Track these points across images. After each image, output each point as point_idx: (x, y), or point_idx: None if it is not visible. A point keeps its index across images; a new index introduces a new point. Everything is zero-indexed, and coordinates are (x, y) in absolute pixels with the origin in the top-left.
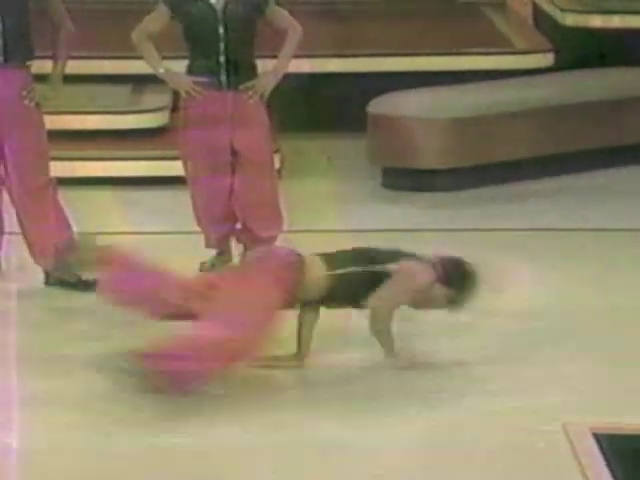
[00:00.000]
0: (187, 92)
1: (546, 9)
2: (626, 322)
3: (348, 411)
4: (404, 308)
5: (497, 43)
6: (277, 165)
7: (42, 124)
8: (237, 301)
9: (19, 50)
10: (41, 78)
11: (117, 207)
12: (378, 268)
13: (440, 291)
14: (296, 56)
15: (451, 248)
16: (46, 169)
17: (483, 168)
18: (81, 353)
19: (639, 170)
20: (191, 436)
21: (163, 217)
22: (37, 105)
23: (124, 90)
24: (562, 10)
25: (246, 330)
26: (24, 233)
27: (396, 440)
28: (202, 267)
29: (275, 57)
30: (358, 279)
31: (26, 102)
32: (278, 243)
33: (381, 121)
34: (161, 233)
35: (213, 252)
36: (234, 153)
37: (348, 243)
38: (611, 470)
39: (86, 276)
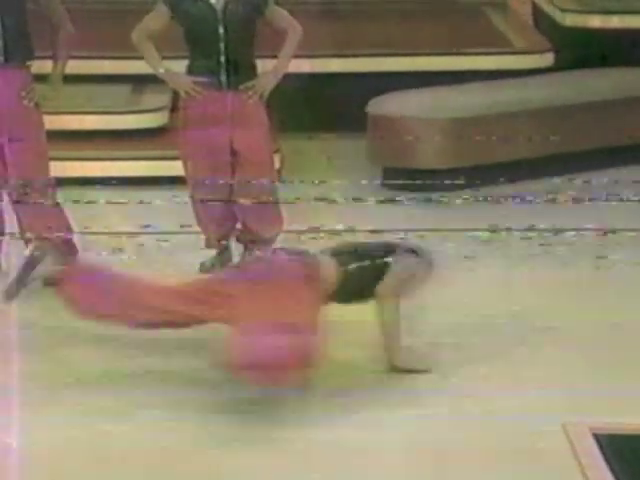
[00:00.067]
0: (187, 92)
1: (546, 9)
2: (626, 322)
3: (347, 411)
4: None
5: (497, 43)
6: (277, 165)
7: (42, 124)
8: (279, 308)
9: (19, 50)
10: (41, 78)
11: (117, 207)
12: (379, 262)
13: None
14: (296, 56)
15: (450, 248)
16: (46, 169)
17: (483, 168)
18: (81, 353)
19: (639, 170)
20: (192, 436)
21: (163, 217)
22: (37, 105)
23: (124, 90)
24: (562, 10)
25: (308, 333)
26: (24, 233)
27: (395, 440)
28: (202, 267)
29: (275, 57)
30: (365, 274)
31: (26, 102)
32: (278, 243)
33: (381, 121)
34: (161, 233)
35: (213, 252)
36: (234, 153)
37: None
38: (611, 470)
39: None
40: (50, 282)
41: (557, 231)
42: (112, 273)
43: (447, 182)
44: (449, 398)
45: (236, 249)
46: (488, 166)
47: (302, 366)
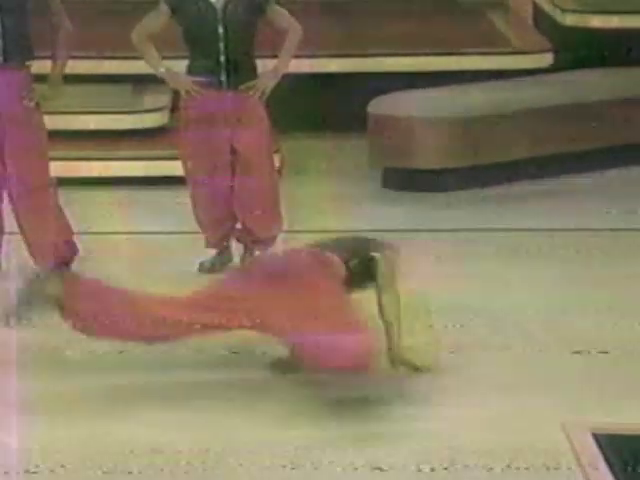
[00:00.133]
0: (187, 92)
1: (546, 9)
2: (627, 321)
3: (347, 411)
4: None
5: (497, 43)
6: (277, 165)
7: (42, 124)
8: (321, 308)
9: (19, 50)
10: (41, 78)
11: (117, 207)
12: (366, 256)
13: None
14: (296, 56)
15: (451, 248)
16: (46, 169)
17: (483, 168)
18: (81, 353)
19: (639, 170)
20: (192, 436)
21: (163, 217)
22: (37, 105)
23: (124, 90)
24: (562, 10)
25: (360, 328)
26: (23, 233)
27: (395, 440)
28: (202, 267)
29: (275, 57)
30: (359, 268)
31: (26, 102)
32: (278, 243)
33: (381, 121)
34: (161, 233)
35: (213, 252)
36: (234, 153)
37: None
38: (611, 470)
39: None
40: (56, 303)
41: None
42: (119, 290)
43: (447, 182)
44: (449, 397)
45: (236, 249)
46: (488, 166)
47: (372, 353)
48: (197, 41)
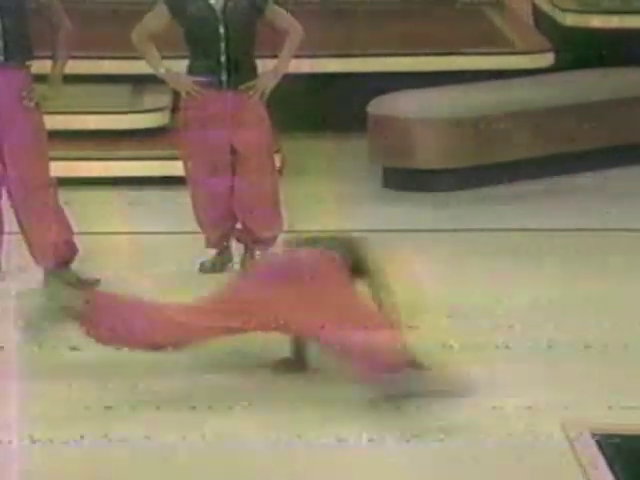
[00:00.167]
0: (188, 92)
1: (546, 9)
2: (627, 321)
3: (347, 411)
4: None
5: (497, 43)
6: (277, 165)
7: (42, 124)
8: (342, 304)
9: (19, 50)
10: (41, 78)
11: (117, 207)
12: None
13: None
14: (296, 56)
15: (451, 248)
16: (46, 169)
17: (483, 168)
18: (81, 353)
19: (639, 170)
20: (192, 436)
21: (163, 217)
22: (37, 105)
23: (124, 90)
24: (562, 10)
25: (387, 325)
26: (24, 233)
27: (395, 440)
28: (202, 267)
29: (275, 57)
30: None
31: (26, 102)
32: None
33: (381, 121)
34: (161, 233)
35: (213, 252)
36: (234, 153)
37: None
38: (611, 470)
39: (86, 276)
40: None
41: (557, 231)
42: (135, 300)
43: (447, 182)
44: (449, 398)
45: (236, 249)
46: (488, 166)
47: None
48: (197, 41)
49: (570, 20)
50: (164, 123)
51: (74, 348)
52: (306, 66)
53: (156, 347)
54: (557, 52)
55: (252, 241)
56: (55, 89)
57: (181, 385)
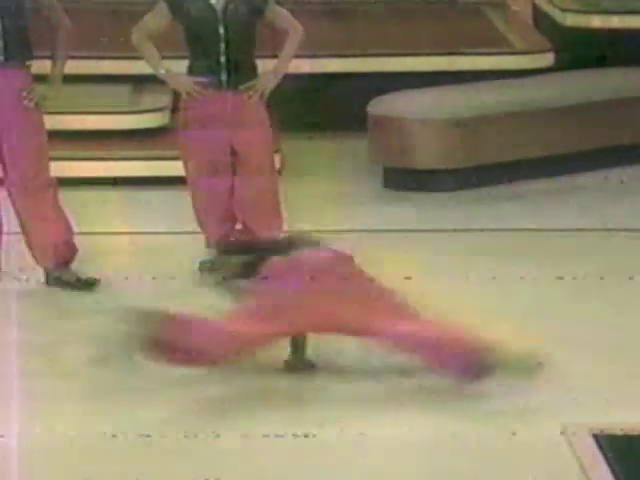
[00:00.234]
0: (188, 92)
1: (546, 9)
2: (627, 321)
3: (347, 412)
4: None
5: (497, 43)
6: (277, 165)
7: (42, 124)
8: (384, 299)
9: (19, 50)
10: (41, 78)
11: (117, 207)
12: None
13: None
14: (296, 56)
15: (451, 248)
16: (46, 169)
17: (483, 168)
18: (81, 353)
19: (639, 170)
20: (192, 436)
21: (163, 217)
22: (37, 105)
23: (124, 90)
24: (562, 10)
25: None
26: (24, 233)
27: (395, 440)
28: (201, 267)
29: (275, 57)
30: None
31: (26, 102)
32: None
33: (381, 121)
34: (161, 233)
35: (213, 252)
36: (234, 153)
37: (348, 243)
38: (611, 470)
39: (86, 276)
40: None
41: (557, 231)
42: (200, 319)
43: (447, 182)
44: (449, 398)
45: None
46: (488, 166)
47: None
48: (198, 41)
49: (570, 20)
50: (164, 123)
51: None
52: (306, 66)
53: (221, 361)
54: (557, 52)
55: None
56: (55, 89)
57: (181, 384)
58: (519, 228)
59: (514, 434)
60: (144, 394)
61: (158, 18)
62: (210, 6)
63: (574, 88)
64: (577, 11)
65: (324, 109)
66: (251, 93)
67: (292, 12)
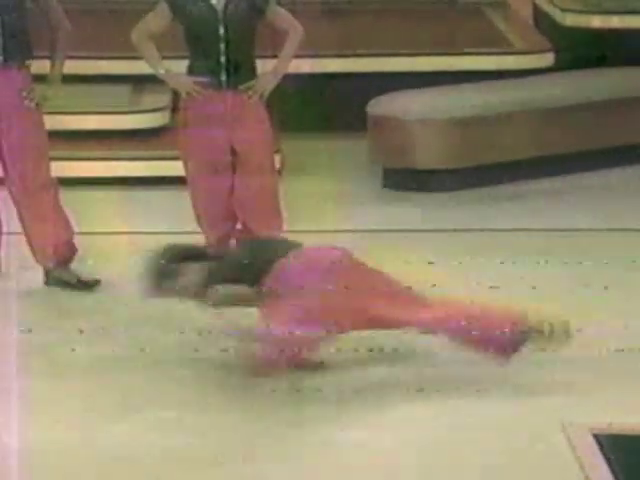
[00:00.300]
0: (188, 92)
1: (546, 9)
2: (626, 321)
3: (347, 412)
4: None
5: (497, 43)
6: (277, 165)
7: (42, 124)
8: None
9: (18, 50)
10: (41, 78)
11: (117, 207)
12: None
13: None
14: (296, 56)
15: (451, 248)
16: (46, 169)
17: (483, 168)
18: (81, 353)
19: (639, 170)
20: (192, 436)
21: (163, 217)
22: (37, 105)
23: (124, 90)
24: (562, 10)
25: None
26: (25, 233)
27: (396, 441)
28: None
29: (275, 57)
30: None
31: (27, 102)
32: None
33: (381, 121)
34: (161, 233)
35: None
36: (234, 153)
37: (348, 243)
38: (611, 470)
39: (86, 276)
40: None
41: (557, 231)
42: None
43: (447, 182)
44: (449, 398)
45: None
46: (488, 166)
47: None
48: (198, 41)
49: (570, 20)
50: (164, 123)
51: (73, 349)
52: (306, 66)
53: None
54: (557, 52)
55: None
56: (55, 89)
57: (181, 384)
58: (519, 228)
59: (514, 434)
60: (145, 395)
61: (158, 18)
62: (211, 6)
63: (574, 88)
64: (577, 11)
65: (324, 109)
66: (251, 93)
67: (292, 12)
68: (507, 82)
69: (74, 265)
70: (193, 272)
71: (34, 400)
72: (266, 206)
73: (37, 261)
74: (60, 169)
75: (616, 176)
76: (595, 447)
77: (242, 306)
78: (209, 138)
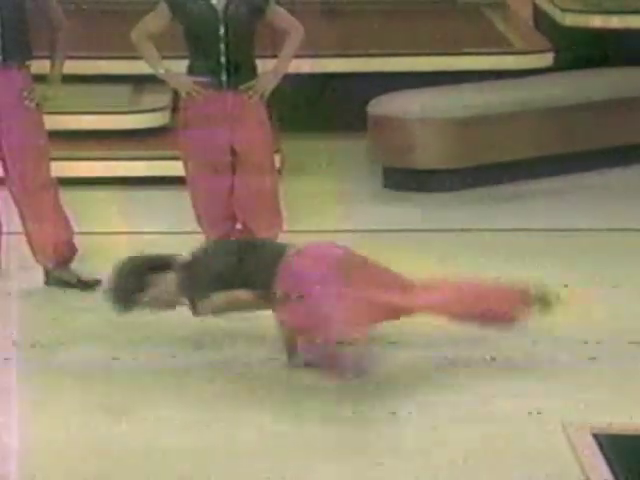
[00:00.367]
0: (188, 92)
1: (546, 9)
2: (627, 321)
3: (346, 413)
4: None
5: (497, 43)
6: (277, 165)
7: (42, 124)
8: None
9: (18, 50)
10: (41, 78)
11: (117, 207)
12: None
13: None
14: (296, 56)
15: (451, 248)
16: (47, 169)
17: (483, 168)
18: (81, 353)
19: (639, 170)
20: (192, 436)
21: (163, 217)
22: (37, 105)
23: (124, 90)
24: (562, 10)
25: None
26: (26, 233)
27: (396, 441)
28: None
29: (275, 57)
30: None
31: (27, 102)
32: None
33: (381, 121)
34: (161, 233)
35: None
36: (234, 153)
37: (348, 243)
38: (611, 470)
39: (86, 276)
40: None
41: (557, 231)
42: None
43: (447, 182)
44: (449, 398)
45: None
46: (488, 166)
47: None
48: (198, 41)
49: (570, 20)
50: (164, 123)
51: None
52: (306, 66)
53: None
54: (557, 52)
55: None
56: (54, 89)
57: (180, 384)
58: (519, 228)
59: (514, 434)
60: (145, 395)
61: (158, 18)
62: (211, 6)
63: (574, 88)
64: (577, 11)
65: (324, 109)
66: (251, 93)
67: (292, 12)
68: (507, 82)
69: (74, 265)
70: (163, 282)
71: (34, 400)
72: (266, 206)
73: (37, 261)
74: (60, 169)
75: (616, 176)
76: (595, 447)
77: (242, 311)
78: (209, 138)
